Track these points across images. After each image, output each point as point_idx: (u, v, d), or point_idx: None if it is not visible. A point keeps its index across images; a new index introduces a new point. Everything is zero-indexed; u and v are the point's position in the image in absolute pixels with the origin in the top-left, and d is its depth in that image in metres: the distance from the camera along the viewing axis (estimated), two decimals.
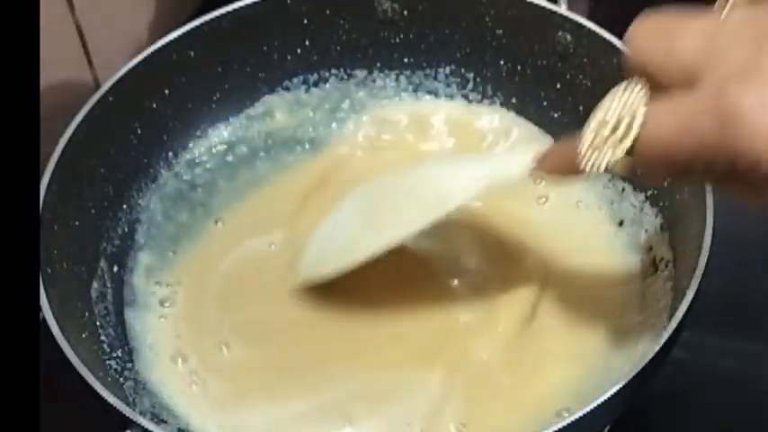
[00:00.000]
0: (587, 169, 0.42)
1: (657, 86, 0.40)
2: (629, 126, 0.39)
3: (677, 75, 0.39)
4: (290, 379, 0.56)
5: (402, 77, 0.68)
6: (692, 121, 0.37)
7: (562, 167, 0.46)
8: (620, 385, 0.46)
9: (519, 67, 0.65)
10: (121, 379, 0.55)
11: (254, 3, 0.64)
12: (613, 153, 0.40)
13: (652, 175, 0.41)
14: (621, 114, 0.40)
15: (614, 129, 0.40)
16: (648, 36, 0.40)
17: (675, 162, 0.38)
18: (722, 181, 0.39)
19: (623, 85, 0.41)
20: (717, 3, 0.41)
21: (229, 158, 0.66)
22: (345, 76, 0.68)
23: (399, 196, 0.57)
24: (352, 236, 0.58)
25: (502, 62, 0.66)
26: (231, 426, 0.54)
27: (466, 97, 0.68)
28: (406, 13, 0.66)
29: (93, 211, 0.59)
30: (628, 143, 0.39)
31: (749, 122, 0.35)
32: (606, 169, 0.41)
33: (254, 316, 0.59)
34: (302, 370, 0.56)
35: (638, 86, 0.40)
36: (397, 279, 0.59)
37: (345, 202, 0.60)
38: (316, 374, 0.56)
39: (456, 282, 0.59)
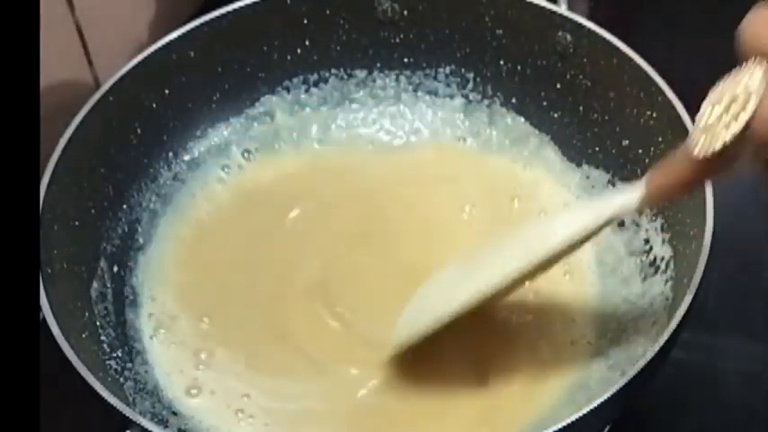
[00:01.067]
0: (700, 153, 0.39)
1: None
2: (746, 101, 0.38)
3: None
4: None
5: (402, 77, 0.68)
6: None
7: (677, 176, 0.44)
8: (621, 385, 0.46)
9: (519, 67, 0.65)
10: (121, 379, 0.55)
11: (254, 3, 0.64)
12: (728, 131, 0.38)
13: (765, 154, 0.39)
14: (737, 93, 0.38)
15: (728, 107, 0.38)
16: (761, 29, 0.39)
17: None
18: None
19: (735, 71, 0.40)
20: None
21: (229, 158, 0.67)
22: (345, 76, 0.68)
23: (499, 246, 0.54)
24: (448, 288, 0.54)
25: (502, 62, 0.66)
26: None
27: (466, 97, 0.68)
28: (406, 13, 0.66)
29: (93, 211, 0.59)
30: (745, 117, 0.38)
31: None
32: (721, 152, 0.39)
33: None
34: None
35: (755, 68, 0.39)
36: None
37: (436, 273, 0.56)
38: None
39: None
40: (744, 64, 0.40)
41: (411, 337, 0.54)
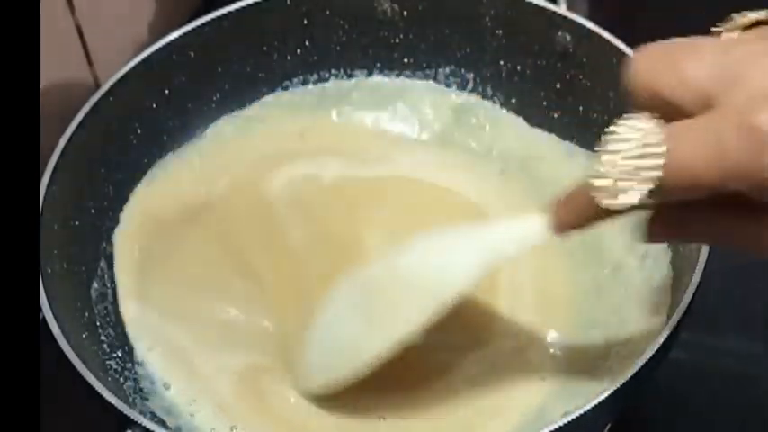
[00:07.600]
0: (613, 206, 0.38)
1: (669, 116, 0.37)
2: (652, 153, 0.36)
3: (692, 100, 0.36)
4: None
5: (402, 77, 0.68)
6: (719, 142, 0.34)
7: (582, 215, 0.42)
8: (620, 385, 0.46)
9: (519, 67, 0.65)
10: (121, 379, 0.55)
11: (254, 3, 0.64)
12: (641, 185, 0.36)
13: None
14: (638, 142, 0.36)
15: (634, 158, 0.36)
16: (655, 63, 0.37)
17: (705, 190, 0.35)
18: (752, 217, 0.37)
19: (630, 116, 0.38)
20: (723, 26, 0.39)
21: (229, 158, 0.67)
22: (345, 76, 0.68)
23: (395, 288, 0.52)
24: (353, 337, 0.52)
25: (502, 62, 0.66)
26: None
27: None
28: (406, 13, 0.66)
29: (93, 211, 0.59)
30: (657, 172, 0.36)
31: None
32: (636, 206, 0.37)
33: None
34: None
35: (648, 116, 0.37)
36: None
37: (333, 299, 0.54)
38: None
39: None
40: (636, 112, 0.37)
41: (324, 388, 0.53)
